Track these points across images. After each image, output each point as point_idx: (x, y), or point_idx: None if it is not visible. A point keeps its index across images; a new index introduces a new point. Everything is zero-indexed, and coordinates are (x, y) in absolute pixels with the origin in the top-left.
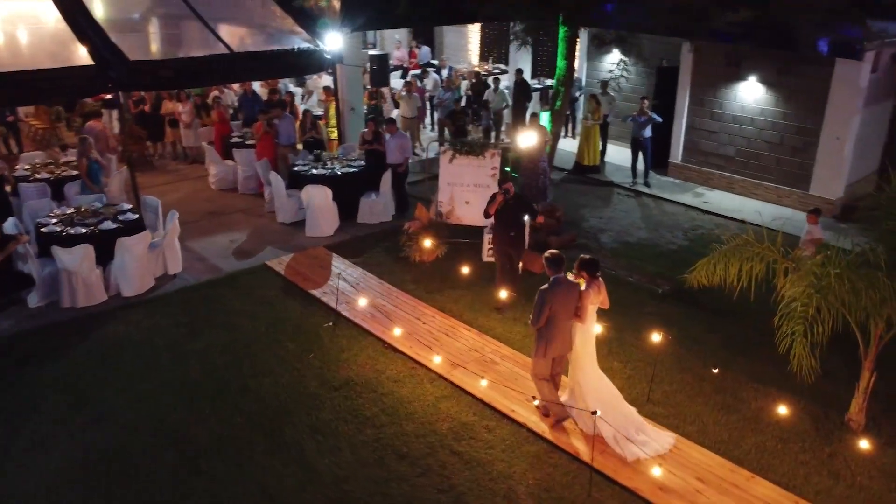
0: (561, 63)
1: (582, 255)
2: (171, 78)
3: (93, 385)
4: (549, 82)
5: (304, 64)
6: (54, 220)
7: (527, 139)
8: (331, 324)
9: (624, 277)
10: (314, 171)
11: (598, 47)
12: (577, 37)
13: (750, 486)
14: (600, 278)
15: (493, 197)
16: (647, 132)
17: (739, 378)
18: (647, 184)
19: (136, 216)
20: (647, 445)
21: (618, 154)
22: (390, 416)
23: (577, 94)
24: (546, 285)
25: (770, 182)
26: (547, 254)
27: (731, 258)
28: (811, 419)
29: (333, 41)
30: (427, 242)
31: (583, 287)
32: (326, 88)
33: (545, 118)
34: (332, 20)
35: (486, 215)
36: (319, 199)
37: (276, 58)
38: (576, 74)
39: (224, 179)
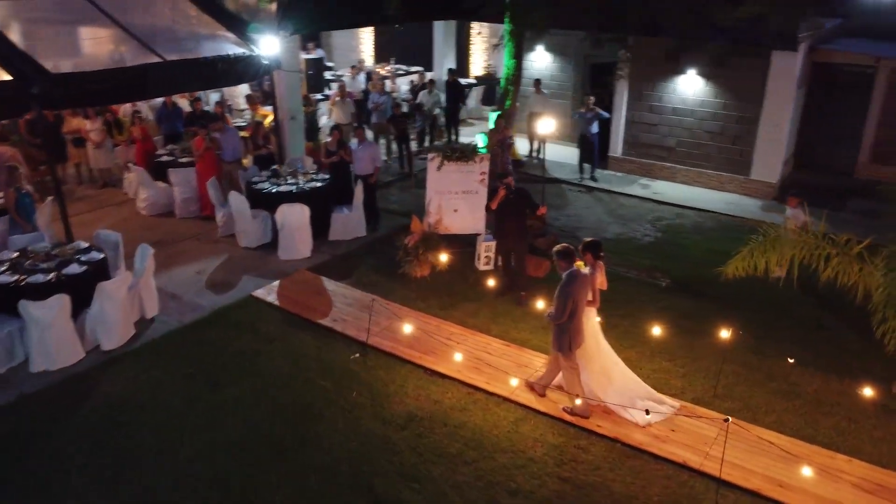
0: (509, 62)
1: (585, 239)
2: (105, 92)
3: (117, 461)
4: (468, 81)
5: (240, 71)
6: (2, 269)
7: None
8: (358, 355)
9: (622, 273)
10: (279, 188)
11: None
12: (524, 35)
13: (853, 469)
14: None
15: (496, 191)
16: (595, 128)
17: (781, 363)
18: (593, 178)
19: (102, 255)
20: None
21: (557, 151)
22: (477, 450)
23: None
24: (564, 280)
25: (712, 170)
26: (558, 247)
27: (768, 249)
28: (862, 394)
29: (270, 45)
30: (442, 256)
31: (585, 271)
32: (250, 97)
33: (495, 117)
34: (268, 23)
35: (488, 210)
36: (296, 219)
37: (211, 65)
38: (499, 72)
39: (157, 204)
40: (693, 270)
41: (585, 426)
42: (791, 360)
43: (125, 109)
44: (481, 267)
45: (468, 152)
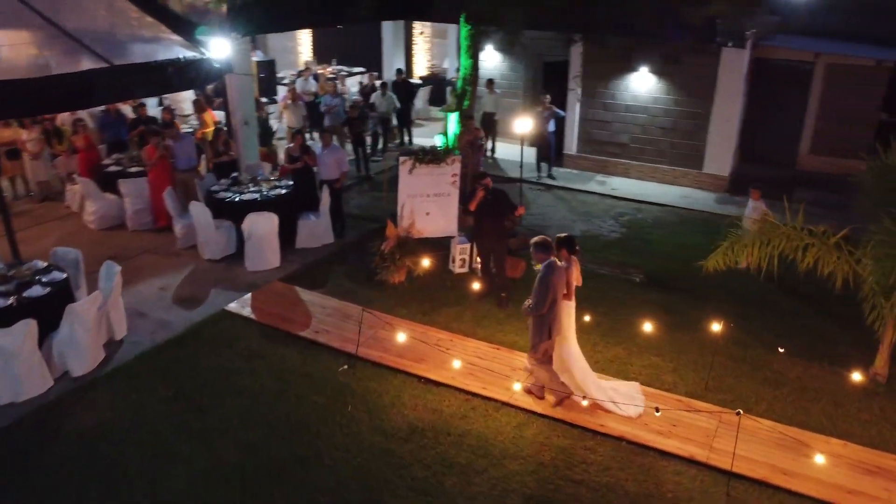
0: (467, 62)
1: (558, 235)
2: (48, 100)
3: (105, 494)
4: (415, 81)
5: (192, 75)
6: None
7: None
8: (346, 367)
9: (596, 270)
10: (243, 197)
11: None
12: (480, 35)
13: (850, 452)
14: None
15: (474, 192)
16: (551, 126)
17: (765, 353)
18: (551, 176)
19: (64, 275)
20: (635, 399)
21: (509, 150)
22: (486, 458)
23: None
24: (543, 271)
25: (666, 165)
26: (535, 239)
27: (748, 243)
28: (843, 379)
29: (220, 48)
30: (424, 261)
31: (561, 265)
32: (197, 102)
33: (453, 119)
34: (218, 24)
35: (467, 211)
36: (264, 228)
37: (161, 69)
38: (448, 72)
39: (107, 216)
40: (663, 265)
41: (589, 426)
42: (781, 350)
43: (63, 118)
44: (457, 270)
45: (441, 154)
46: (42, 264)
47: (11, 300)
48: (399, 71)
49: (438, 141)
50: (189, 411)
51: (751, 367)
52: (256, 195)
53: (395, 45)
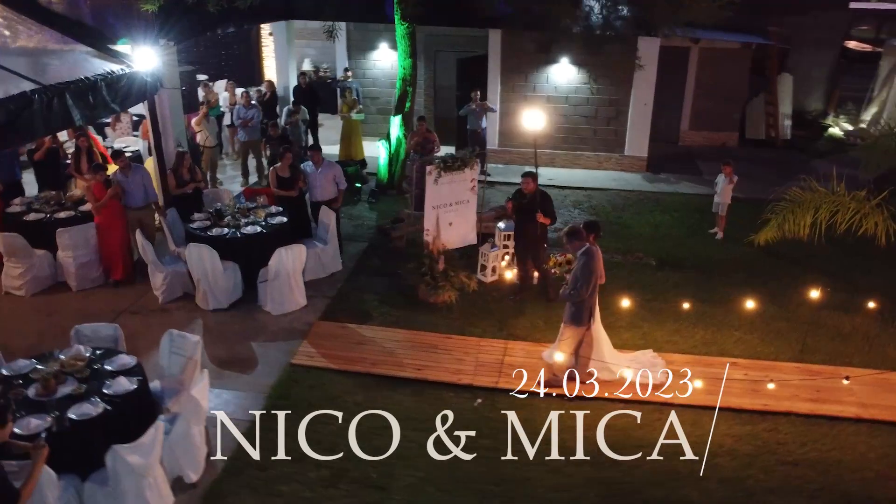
0: (406, 62)
1: (585, 220)
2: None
3: None
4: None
5: (125, 92)
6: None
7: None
8: (480, 401)
9: (609, 259)
10: (245, 231)
11: (363, 40)
12: (415, 34)
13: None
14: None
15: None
16: (484, 122)
17: (833, 315)
18: (486, 172)
19: (134, 359)
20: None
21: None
22: (700, 462)
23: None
24: (584, 258)
25: (589, 151)
26: (567, 229)
27: (797, 212)
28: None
29: (147, 59)
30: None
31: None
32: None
33: (396, 122)
34: (144, 32)
35: (507, 213)
36: (293, 264)
37: (94, 88)
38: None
39: (39, 278)
40: (660, 246)
41: (753, 408)
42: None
43: None
44: (488, 279)
45: (466, 160)
46: (85, 351)
47: (99, 405)
48: (303, 74)
49: (382, 147)
50: (365, 491)
51: (833, 331)
52: (258, 227)
53: (289, 49)
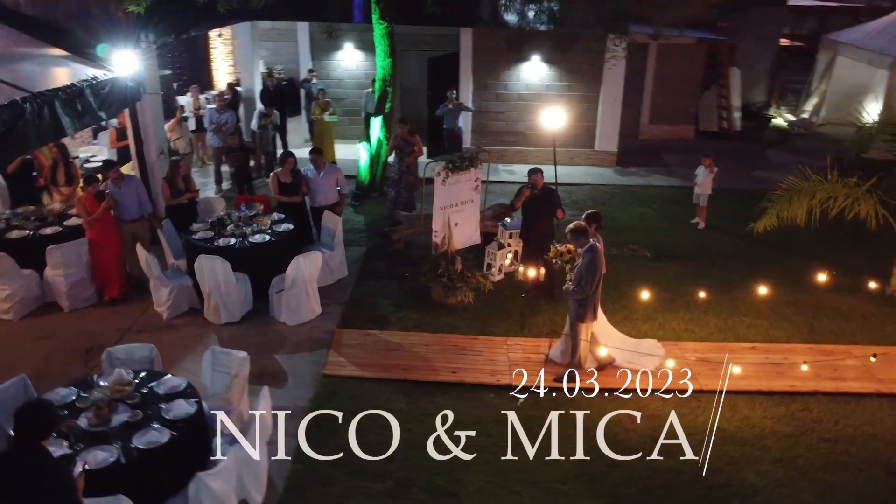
0: (385, 62)
1: (586, 213)
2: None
3: None
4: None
5: (109, 99)
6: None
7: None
8: (524, 397)
9: (606, 252)
10: (254, 240)
11: (327, 41)
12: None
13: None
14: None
15: (520, 191)
16: (460, 121)
17: (828, 296)
18: None
19: (183, 382)
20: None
21: None
22: (749, 447)
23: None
24: (589, 255)
25: (561, 147)
26: (572, 226)
27: (795, 200)
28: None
29: (127, 63)
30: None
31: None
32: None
33: (377, 123)
34: (123, 33)
35: (513, 208)
36: (310, 272)
37: (80, 95)
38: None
39: (27, 300)
40: (649, 237)
41: (776, 389)
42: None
43: None
44: (496, 277)
45: (473, 159)
46: (127, 376)
47: (165, 431)
48: (270, 75)
49: (362, 148)
50: (436, 500)
51: (832, 311)
52: (267, 235)
53: (253, 50)
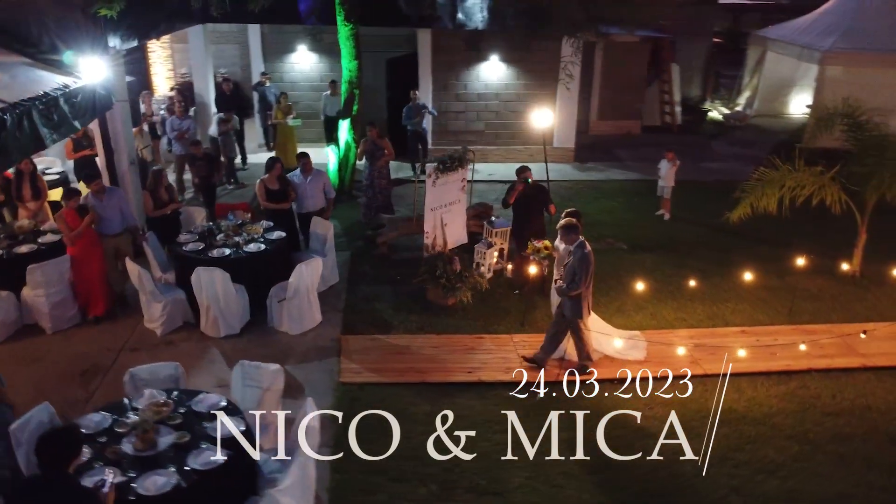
0: (352, 64)
1: (567, 210)
2: None
3: None
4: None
5: (81, 108)
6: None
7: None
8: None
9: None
10: (248, 250)
11: (280, 42)
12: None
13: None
14: None
15: (513, 186)
16: (425, 123)
17: (804, 279)
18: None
19: (224, 399)
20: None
21: None
22: (757, 426)
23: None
24: (580, 252)
25: (520, 145)
26: (563, 223)
27: (765, 189)
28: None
29: (95, 69)
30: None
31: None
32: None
33: (345, 126)
34: (91, 37)
35: (506, 205)
36: (311, 280)
37: (56, 104)
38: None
39: (6, 324)
40: (621, 230)
41: (774, 369)
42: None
43: None
44: (489, 275)
45: (461, 159)
46: (158, 394)
47: (218, 450)
48: (226, 79)
49: (331, 151)
50: (482, 499)
51: (811, 294)
52: (261, 244)
53: (207, 52)
